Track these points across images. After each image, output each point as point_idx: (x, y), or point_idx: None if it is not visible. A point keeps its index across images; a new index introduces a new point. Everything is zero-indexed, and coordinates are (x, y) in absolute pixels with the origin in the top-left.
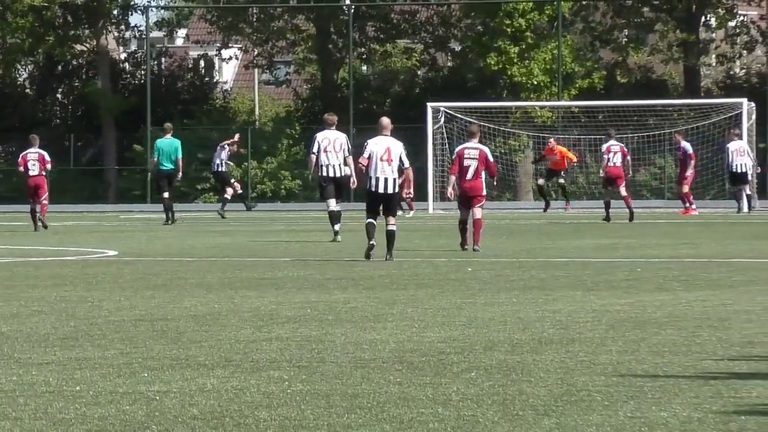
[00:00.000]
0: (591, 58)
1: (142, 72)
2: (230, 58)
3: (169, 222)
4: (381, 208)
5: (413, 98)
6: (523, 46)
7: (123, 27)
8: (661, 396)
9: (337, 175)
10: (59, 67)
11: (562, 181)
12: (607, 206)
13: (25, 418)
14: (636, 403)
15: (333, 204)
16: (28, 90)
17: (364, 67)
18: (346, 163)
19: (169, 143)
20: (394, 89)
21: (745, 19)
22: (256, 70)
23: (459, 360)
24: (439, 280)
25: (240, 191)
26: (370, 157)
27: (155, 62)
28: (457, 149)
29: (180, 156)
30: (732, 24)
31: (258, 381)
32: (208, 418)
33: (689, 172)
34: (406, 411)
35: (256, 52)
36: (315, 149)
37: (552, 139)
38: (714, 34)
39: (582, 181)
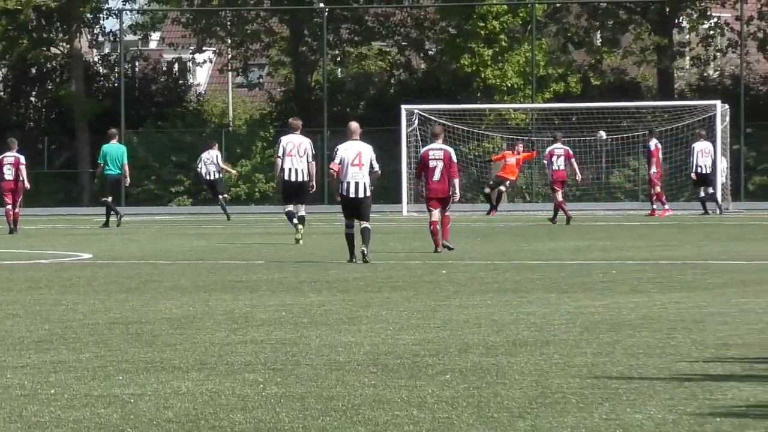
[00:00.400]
0: (565, 60)
1: (116, 75)
2: (204, 62)
3: (108, 226)
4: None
5: (387, 101)
6: (497, 49)
7: (97, 30)
8: (635, 398)
9: (299, 179)
10: (33, 71)
11: (502, 188)
12: (562, 206)
13: None
14: (611, 405)
15: (291, 208)
16: (1, 93)
17: (339, 70)
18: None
19: (115, 148)
20: (368, 92)
21: (719, 21)
22: (230, 73)
23: (434, 362)
24: (414, 283)
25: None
26: (341, 163)
27: (129, 65)
28: (422, 151)
29: (126, 161)
30: (705, 26)
31: (233, 384)
32: (183, 421)
33: (652, 171)
34: (380, 413)
35: (230, 55)
36: (280, 153)
37: (520, 145)
38: (688, 37)
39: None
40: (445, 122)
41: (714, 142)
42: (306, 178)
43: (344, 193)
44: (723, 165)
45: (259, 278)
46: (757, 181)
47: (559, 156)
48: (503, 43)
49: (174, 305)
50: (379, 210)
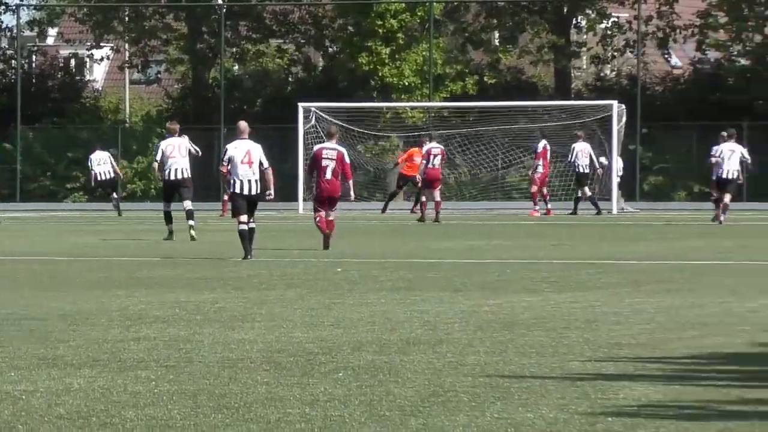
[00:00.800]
0: (462, 59)
1: (13, 71)
2: (102, 59)
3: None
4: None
5: (285, 98)
6: (395, 47)
7: None
8: (527, 397)
9: (179, 177)
10: None
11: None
12: (427, 206)
13: None
14: (503, 404)
15: (188, 204)
16: None
17: (236, 67)
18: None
19: None
20: (266, 89)
21: (618, 20)
22: (127, 69)
23: (327, 360)
24: (308, 281)
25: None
26: (230, 162)
27: (26, 61)
28: (315, 149)
29: None
30: (603, 26)
31: (125, 381)
32: (75, 418)
33: (539, 172)
34: (273, 411)
35: (128, 51)
36: (158, 156)
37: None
38: (585, 36)
39: (452, 181)
40: (341, 121)
41: (609, 142)
42: (187, 175)
43: (237, 191)
44: (619, 165)
45: (153, 275)
46: (653, 182)
47: (435, 155)
48: (401, 42)
49: (68, 302)
50: (274, 207)
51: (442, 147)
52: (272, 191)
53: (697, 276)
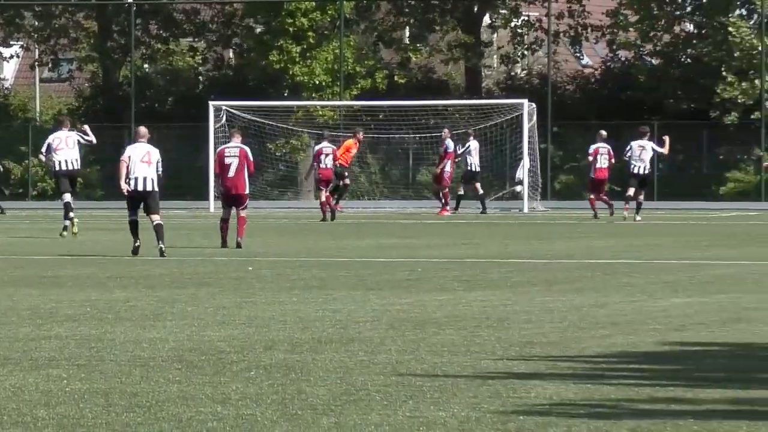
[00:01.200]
0: (373, 57)
1: None
2: (12, 57)
3: None
4: (142, 205)
5: (196, 97)
6: (305, 46)
7: None
8: (439, 396)
9: (69, 168)
10: None
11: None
12: (324, 207)
13: None
14: (415, 402)
15: (67, 197)
16: None
17: (146, 66)
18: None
19: None
20: (177, 88)
21: (529, 19)
22: (37, 67)
23: (238, 359)
24: (220, 279)
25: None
26: (130, 159)
27: None
28: (218, 150)
29: None
30: (514, 24)
31: (36, 379)
32: None
33: (447, 171)
34: (185, 410)
35: (38, 50)
36: (44, 149)
37: (361, 133)
38: (495, 35)
39: (363, 180)
40: (253, 118)
41: (521, 141)
42: (77, 167)
43: (133, 187)
44: (529, 163)
45: (65, 273)
46: (564, 180)
47: (327, 155)
48: (311, 40)
49: None
50: (185, 206)
51: (334, 147)
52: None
53: (608, 275)
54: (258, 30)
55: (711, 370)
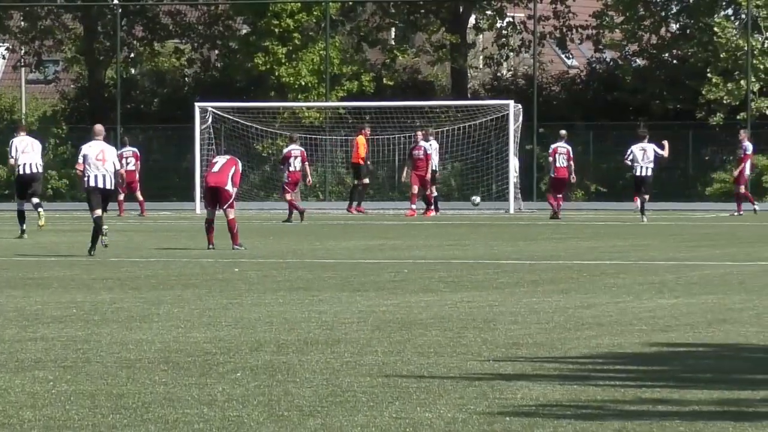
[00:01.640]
0: (358, 59)
1: None
2: None
3: None
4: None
5: (181, 98)
6: (291, 47)
7: None
8: (426, 397)
9: (33, 171)
10: None
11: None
12: (292, 208)
13: None
14: (401, 403)
15: (35, 200)
16: None
17: (132, 67)
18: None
19: None
20: (163, 89)
21: (514, 20)
22: (23, 68)
23: (225, 360)
24: (206, 281)
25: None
26: (85, 160)
27: None
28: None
29: None
30: (499, 25)
31: (23, 381)
32: None
33: (430, 173)
34: (171, 411)
35: (23, 51)
36: (13, 153)
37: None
38: (480, 36)
39: (349, 182)
40: (239, 120)
41: (506, 142)
42: (39, 170)
43: (92, 185)
44: (515, 164)
45: (50, 275)
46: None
47: (296, 157)
48: (297, 42)
49: None
50: (171, 208)
51: (302, 149)
52: (123, 183)
53: (594, 276)
54: (244, 31)
55: (697, 371)
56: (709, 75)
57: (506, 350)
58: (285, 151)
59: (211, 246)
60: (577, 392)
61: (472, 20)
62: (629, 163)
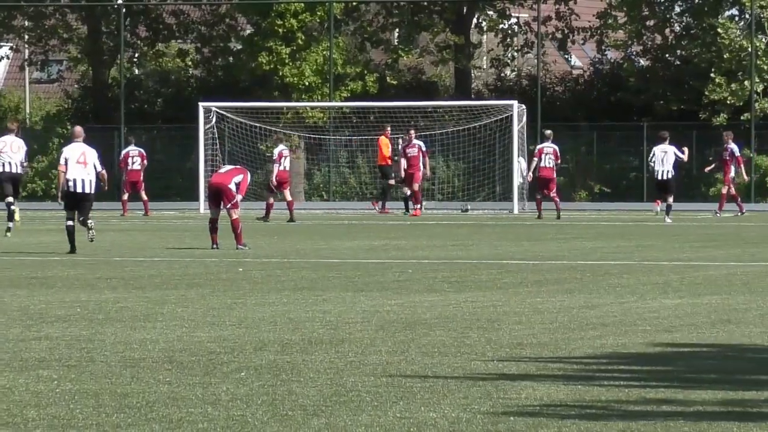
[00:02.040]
0: (362, 59)
1: None
2: (1, 58)
3: None
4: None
5: (185, 98)
6: (295, 47)
7: None
8: (430, 397)
9: (13, 171)
10: None
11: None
12: (269, 208)
13: None
14: (405, 403)
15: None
16: None
17: (136, 69)
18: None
19: None
20: (166, 89)
21: (519, 20)
22: (27, 68)
23: (229, 360)
24: (210, 280)
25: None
26: (66, 162)
27: None
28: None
29: None
30: (504, 26)
31: (27, 380)
32: None
33: (422, 170)
34: (175, 410)
35: (27, 50)
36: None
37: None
38: (484, 37)
39: (353, 182)
40: (243, 120)
41: (510, 142)
42: (20, 170)
43: (70, 190)
44: (522, 165)
45: (54, 274)
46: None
47: (285, 157)
48: (301, 42)
49: None
50: (176, 207)
51: (289, 149)
52: (105, 185)
53: (598, 276)
54: (248, 31)
55: (701, 372)
56: (712, 75)
57: (510, 350)
58: (276, 151)
59: (215, 246)
60: (581, 392)
61: (476, 20)
62: (652, 164)
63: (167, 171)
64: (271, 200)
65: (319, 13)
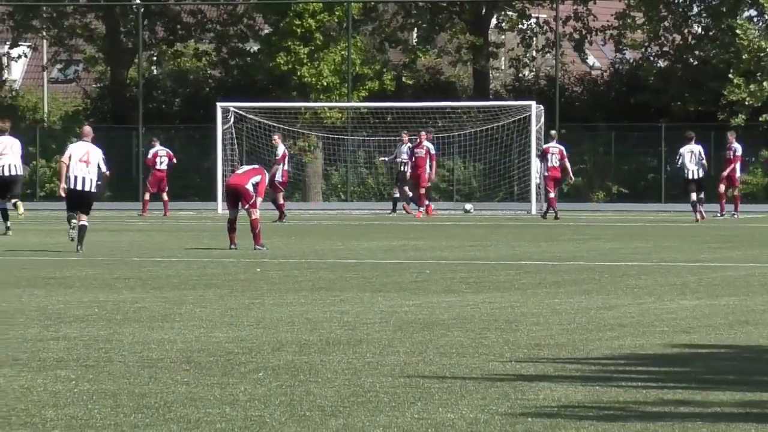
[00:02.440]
0: (380, 59)
1: None
2: (20, 57)
3: None
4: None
5: (203, 98)
6: (313, 47)
7: None
8: (448, 397)
9: (11, 173)
10: None
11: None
12: (281, 208)
13: None
14: (423, 404)
15: (11, 201)
16: None
17: (154, 69)
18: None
19: None
20: (185, 89)
21: (539, 20)
22: (46, 69)
23: (247, 360)
24: (228, 281)
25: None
26: (70, 158)
27: None
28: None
29: None
30: (523, 27)
31: (45, 380)
32: None
33: (428, 172)
34: (193, 411)
35: (46, 50)
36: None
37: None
38: (503, 37)
39: (371, 182)
40: (261, 120)
41: (528, 143)
42: (18, 172)
43: (71, 187)
44: (537, 166)
45: (72, 274)
46: (571, 182)
47: (286, 156)
48: (319, 42)
49: None
50: (194, 207)
51: (286, 151)
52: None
53: (616, 277)
54: (266, 31)
55: (719, 373)
56: (731, 76)
57: (528, 351)
58: (280, 151)
59: (233, 246)
60: (599, 393)
61: (494, 21)
62: (679, 164)
63: (185, 171)
64: (281, 200)
65: (337, 13)
